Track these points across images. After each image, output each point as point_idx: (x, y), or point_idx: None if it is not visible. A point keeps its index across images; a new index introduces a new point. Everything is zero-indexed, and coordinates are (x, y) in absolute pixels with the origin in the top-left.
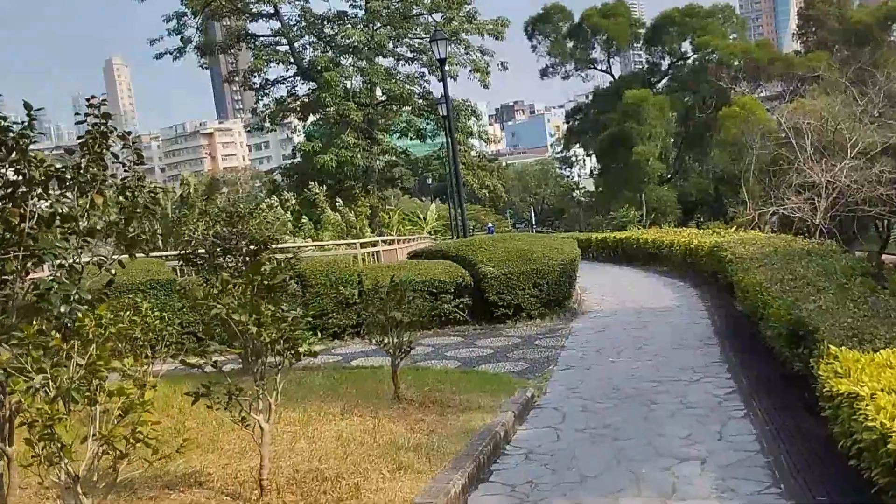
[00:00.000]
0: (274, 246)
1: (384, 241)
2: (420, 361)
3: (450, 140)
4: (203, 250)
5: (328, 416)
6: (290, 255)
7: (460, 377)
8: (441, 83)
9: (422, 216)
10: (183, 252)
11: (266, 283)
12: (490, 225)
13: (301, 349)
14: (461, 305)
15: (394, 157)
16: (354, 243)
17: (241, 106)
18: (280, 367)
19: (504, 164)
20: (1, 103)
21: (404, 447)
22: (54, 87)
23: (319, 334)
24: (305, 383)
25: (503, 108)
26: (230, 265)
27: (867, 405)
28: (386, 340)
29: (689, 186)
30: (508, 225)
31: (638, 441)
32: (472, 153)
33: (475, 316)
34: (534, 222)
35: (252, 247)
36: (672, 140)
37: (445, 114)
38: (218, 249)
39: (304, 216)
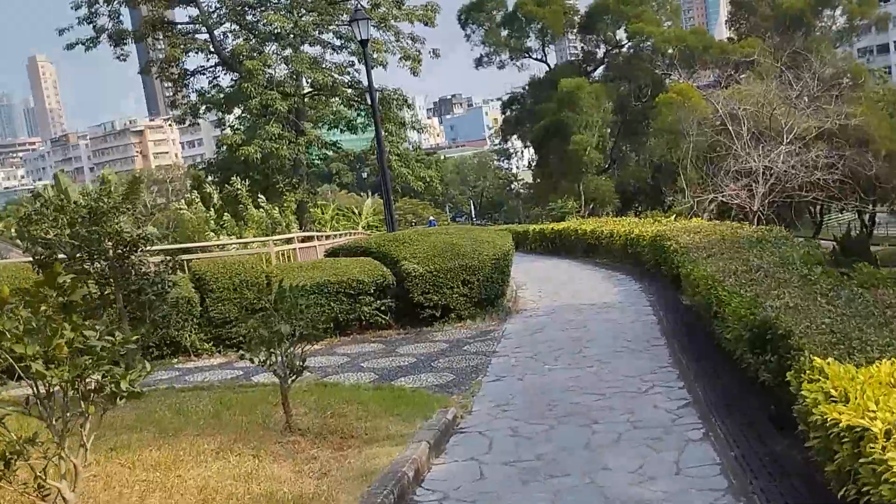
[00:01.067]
0: (151, 247)
1: (301, 238)
2: (331, 375)
3: (377, 128)
4: (62, 254)
5: (200, 456)
6: (169, 258)
7: (372, 396)
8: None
9: (357, 211)
10: (36, 257)
11: (62, 299)
12: (432, 219)
13: (123, 386)
14: (383, 308)
15: (323, 150)
16: (267, 241)
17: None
18: (87, 413)
19: (443, 157)
20: None
21: (284, 500)
22: None
23: (221, 346)
24: (186, 409)
25: (441, 102)
26: (96, 271)
27: (887, 451)
28: (272, 360)
29: (627, 176)
30: (448, 218)
31: (578, 478)
32: (406, 144)
33: (400, 319)
34: (474, 215)
35: (119, 249)
36: (609, 130)
37: (371, 101)
38: (79, 253)
39: (226, 213)
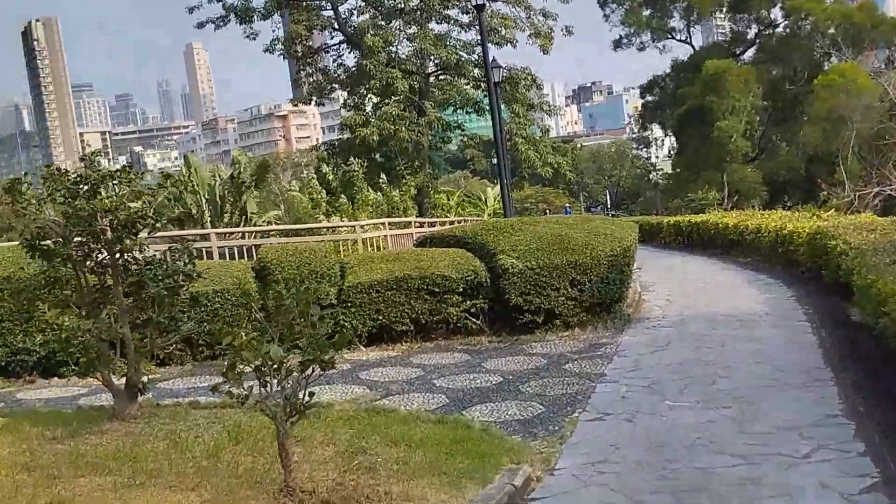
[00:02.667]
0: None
1: (395, 224)
2: (393, 395)
3: (492, 102)
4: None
5: None
6: (179, 245)
7: (427, 434)
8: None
9: (484, 199)
10: (26, 239)
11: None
12: (567, 206)
13: None
14: (473, 309)
15: (446, 133)
16: (353, 226)
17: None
18: None
19: (579, 145)
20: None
21: None
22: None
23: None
24: (184, 442)
25: (580, 90)
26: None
27: None
28: (264, 392)
29: (777, 166)
30: (581, 209)
31: None
32: (534, 128)
33: (494, 324)
34: (609, 205)
35: (117, 231)
36: (758, 117)
37: (486, 72)
38: (76, 235)
39: (343, 195)
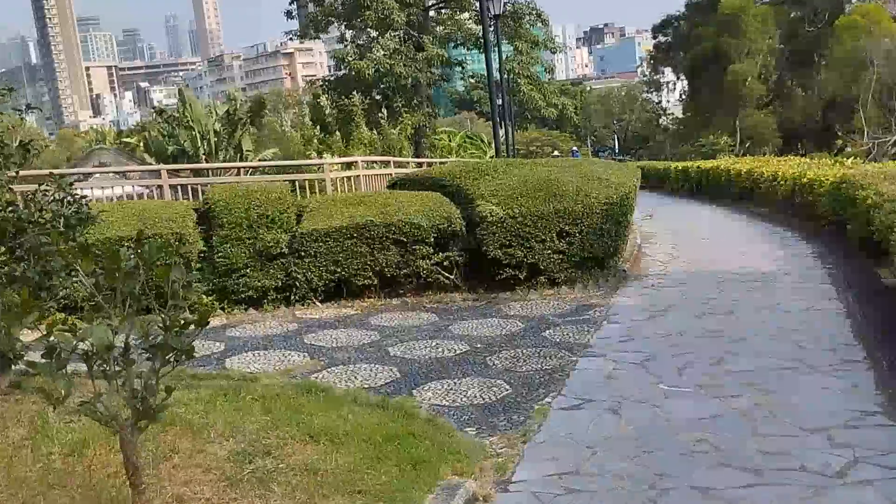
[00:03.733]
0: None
1: (374, 164)
2: (338, 364)
3: (485, 33)
4: None
5: None
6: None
7: (355, 426)
8: None
9: (486, 140)
10: None
11: None
12: (575, 149)
13: None
14: (446, 263)
15: (446, 69)
16: (319, 164)
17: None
18: None
19: (588, 88)
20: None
21: None
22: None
23: (226, 302)
24: (26, 449)
25: (592, 32)
26: None
27: None
28: (103, 394)
29: (792, 112)
30: (589, 152)
31: None
32: (538, 67)
33: (471, 279)
34: (617, 150)
35: None
36: (774, 60)
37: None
38: None
39: (337, 132)
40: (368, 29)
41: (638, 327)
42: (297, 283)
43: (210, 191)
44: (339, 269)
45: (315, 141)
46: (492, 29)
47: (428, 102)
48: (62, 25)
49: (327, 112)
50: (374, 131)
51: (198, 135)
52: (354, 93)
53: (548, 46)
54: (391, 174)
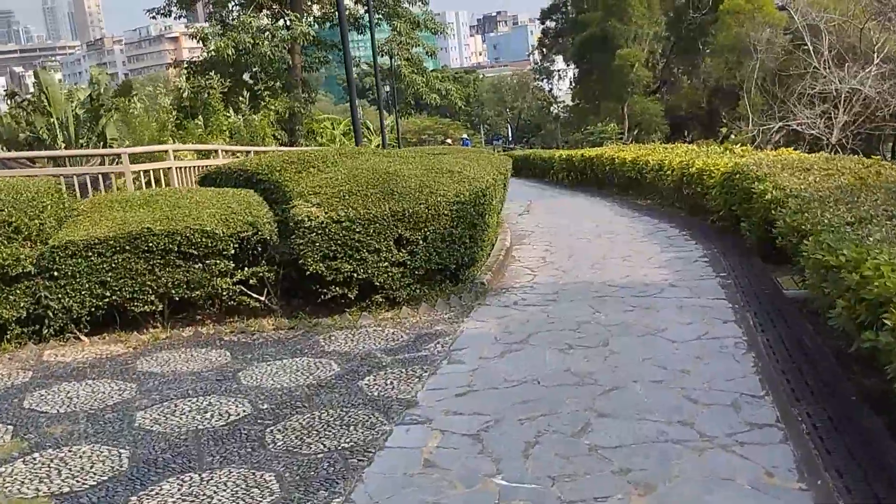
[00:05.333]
0: None
1: (194, 154)
2: (41, 449)
3: (340, 6)
4: None
5: None
6: None
7: None
8: None
9: (372, 128)
10: None
11: None
12: (465, 137)
13: None
14: (254, 280)
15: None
16: (111, 154)
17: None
18: None
19: (481, 76)
20: None
21: None
22: None
23: None
24: None
25: (485, 19)
26: None
27: None
28: None
29: (679, 99)
30: (482, 140)
31: None
32: (418, 49)
33: (293, 299)
34: (511, 138)
35: None
36: (661, 47)
37: None
38: None
39: (199, 117)
40: (235, 6)
41: (485, 370)
42: (52, 313)
43: None
44: (107, 293)
45: (170, 126)
46: (365, 8)
47: (304, 87)
48: None
49: (185, 95)
50: (240, 117)
51: (55, 121)
52: (212, 73)
53: (428, 27)
54: (221, 166)
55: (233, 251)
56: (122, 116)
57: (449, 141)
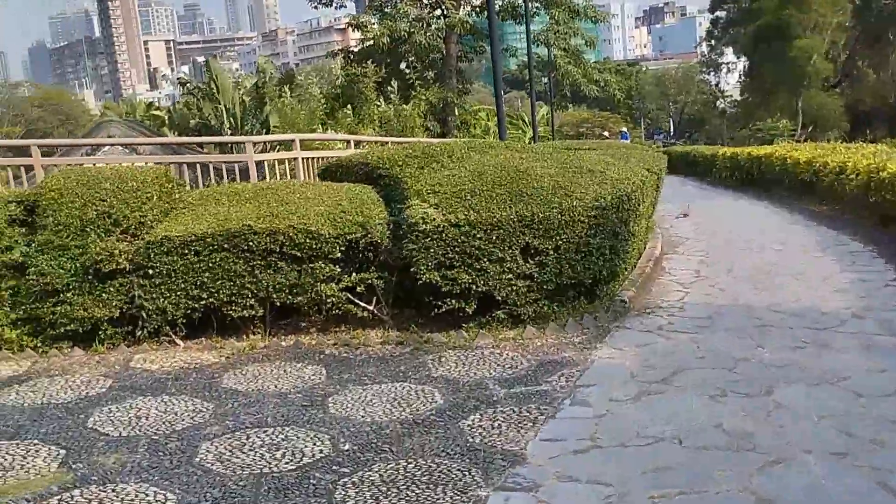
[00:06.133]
0: None
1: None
2: (86, 484)
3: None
4: None
5: None
6: None
7: None
8: None
9: (527, 120)
10: None
11: None
12: (624, 130)
13: None
14: (359, 288)
15: (482, 44)
16: (240, 141)
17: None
18: None
19: (644, 68)
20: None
21: None
22: None
23: (40, 337)
24: None
25: (651, 11)
26: None
27: None
28: None
29: (862, 93)
30: (642, 134)
31: None
32: (578, 39)
33: (405, 307)
34: (672, 133)
35: None
36: (844, 36)
37: None
38: None
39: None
40: None
41: (614, 417)
42: (146, 314)
43: (46, 180)
44: (205, 295)
45: (320, 115)
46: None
47: (458, 77)
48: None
49: (338, 83)
50: (390, 106)
51: (223, 108)
52: (368, 62)
53: (588, 16)
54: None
55: (339, 254)
56: (275, 106)
57: (606, 134)
